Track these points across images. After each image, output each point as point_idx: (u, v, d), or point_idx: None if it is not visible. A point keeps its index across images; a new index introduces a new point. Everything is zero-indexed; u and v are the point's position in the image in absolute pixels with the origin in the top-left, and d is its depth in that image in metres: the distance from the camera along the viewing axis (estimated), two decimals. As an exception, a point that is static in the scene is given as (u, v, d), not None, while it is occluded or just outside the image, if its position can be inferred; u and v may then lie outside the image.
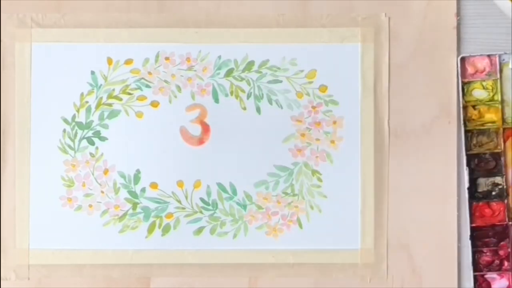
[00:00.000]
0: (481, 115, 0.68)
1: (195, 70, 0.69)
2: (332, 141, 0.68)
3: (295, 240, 0.68)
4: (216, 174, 0.67)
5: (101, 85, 0.68)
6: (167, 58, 0.68)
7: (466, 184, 0.68)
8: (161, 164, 0.68)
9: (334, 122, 0.68)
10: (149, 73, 0.68)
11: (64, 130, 0.68)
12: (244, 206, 0.68)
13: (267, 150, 0.68)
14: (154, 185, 0.68)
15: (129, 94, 0.68)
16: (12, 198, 0.68)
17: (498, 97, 0.68)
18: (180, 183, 0.68)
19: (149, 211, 0.68)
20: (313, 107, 0.68)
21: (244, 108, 0.68)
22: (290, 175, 0.68)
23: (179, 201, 0.68)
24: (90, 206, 0.68)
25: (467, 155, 0.68)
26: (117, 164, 0.68)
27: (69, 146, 0.68)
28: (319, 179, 0.68)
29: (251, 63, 0.68)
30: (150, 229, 0.68)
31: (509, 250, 0.68)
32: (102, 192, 0.68)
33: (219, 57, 0.68)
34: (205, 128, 0.68)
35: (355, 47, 0.68)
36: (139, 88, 0.68)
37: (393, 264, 0.68)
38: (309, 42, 0.68)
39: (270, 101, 0.68)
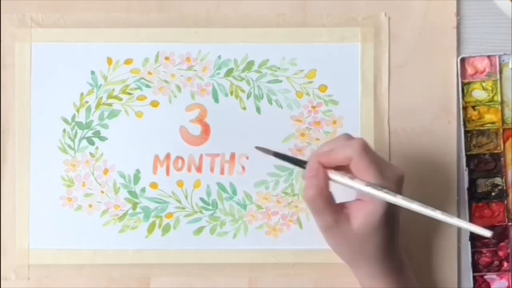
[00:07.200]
0: (481, 116, 0.68)
1: (195, 70, 0.68)
2: (332, 141, 0.68)
3: (295, 240, 0.68)
4: (216, 174, 0.67)
5: (101, 85, 0.68)
6: (167, 58, 0.68)
7: (465, 184, 0.68)
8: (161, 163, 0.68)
9: (334, 122, 0.68)
10: (149, 73, 0.68)
11: (64, 130, 0.68)
12: (244, 206, 0.68)
13: (267, 150, 0.68)
14: (154, 185, 0.68)
15: (129, 94, 0.68)
16: (12, 198, 0.68)
17: (498, 97, 0.68)
18: (180, 183, 0.68)
19: (149, 211, 0.68)
20: (313, 107, 0.68)
21: (244, 108, 0.68)
22: (290, 175, 0.68)
23: (179, 201, 0.68)
24: (90, 206, 0.68)
25: (466, 155, 0.68)
26: (117, 164, 0.68)
27: (69, 146, 0.68)
28: (319, 179, 0.68)
29: (251, 63, 0.68)
30: (150, 229, 0.68)
31: (509, 251, 0.68)
32: (102, 192, 0.68)
33: (219, 57, 0.68)
34: (205, 128, 0.68)
35: (355, 47, 0.68)
36: (139, 88, 0.68)
37: (393, 264, 0.68)
38: (309, 42, 0.68)
39: (270, 101, 0.68)
